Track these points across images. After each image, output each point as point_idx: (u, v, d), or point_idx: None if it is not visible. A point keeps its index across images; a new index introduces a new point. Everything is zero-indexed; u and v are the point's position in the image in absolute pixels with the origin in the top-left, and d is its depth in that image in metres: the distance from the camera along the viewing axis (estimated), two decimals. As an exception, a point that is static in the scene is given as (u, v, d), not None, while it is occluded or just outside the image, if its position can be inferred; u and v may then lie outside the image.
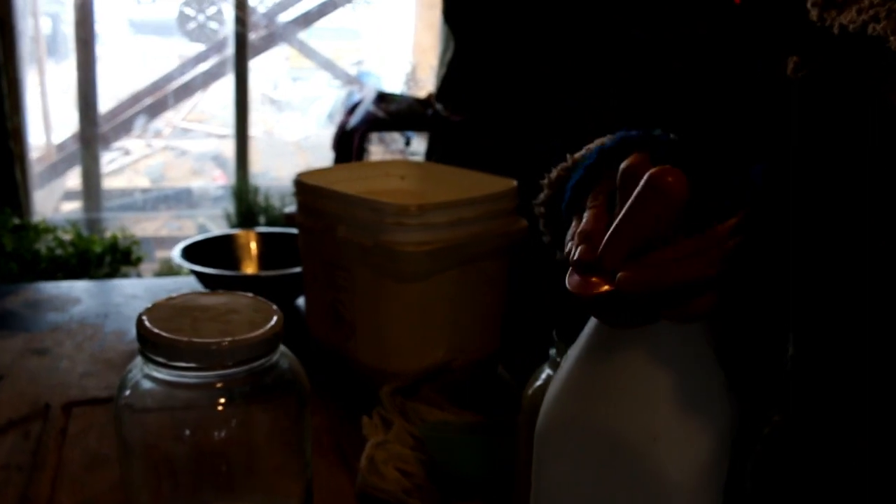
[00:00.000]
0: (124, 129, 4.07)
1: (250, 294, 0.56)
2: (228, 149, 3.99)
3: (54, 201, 4.01)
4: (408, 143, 3.02)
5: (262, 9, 4.03)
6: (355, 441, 0.77)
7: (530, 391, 0.60)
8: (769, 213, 0.42)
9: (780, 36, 0.50)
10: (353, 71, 4.62)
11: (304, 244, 0.98)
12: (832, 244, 0.41)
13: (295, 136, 4.74)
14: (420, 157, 2.64)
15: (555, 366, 0.57)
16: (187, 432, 0.52)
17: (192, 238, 1.22)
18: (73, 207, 3.96)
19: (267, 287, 1.10)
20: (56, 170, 3.92)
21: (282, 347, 0.54)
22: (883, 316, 0.40)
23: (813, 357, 0.41)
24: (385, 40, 4.79)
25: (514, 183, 0.91)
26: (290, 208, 0.99)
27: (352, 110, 2.66)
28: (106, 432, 0.82)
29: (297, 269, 1.05)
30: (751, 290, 0.42)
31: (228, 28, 3.82)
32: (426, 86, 3.75)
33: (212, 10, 4.16)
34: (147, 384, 0.51)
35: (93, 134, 3.69)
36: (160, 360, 0.50)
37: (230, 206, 3.36)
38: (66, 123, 3.89)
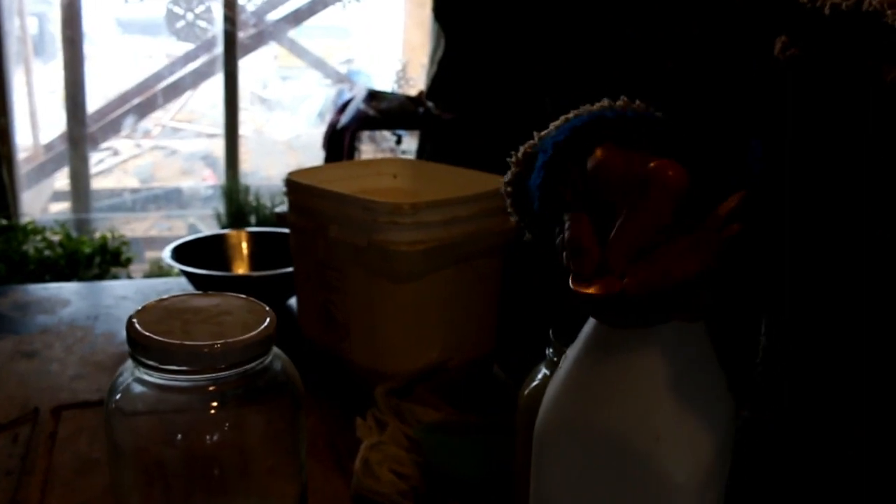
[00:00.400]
0: (113, 128, 4.05)
1: (242, 295, 0.55)
2: (218, 148, 3.97)
3: (42, 202, 3.98)
4: (398, 141, 3.02)
5: (251, 7, 4.01)
6: (350, 443, 0.76)
7: (527, 391, 0.59)
8: (768, 196, 0.41)
9: (768, 17, 0.49)
10: (343, 69, 4.61)
11: (295, 244, 0.97)
12: (830, 228, 0.40)
13: (285, 135, 4.73)
14: (411, 156, 2.63)
15: (551, 365, 0.57)
16: (179, 436, 0.51)
17: (182, 238, 1.21)
18: (61, 208, 3.94)
19: (258, 287, 1.09)
20: (44, 170, 3.90)
21: (275, 349, 0.53)
22: (881, 304, 0.40)
23: (799, 347, 0.41)
24: (375, 38, 4.78)
25: (508, 181, 0.90)
26: (282, 208, 0.98)
27: (342, 109, 2.65)
28: (96, 436, 0.81)
29: (289, 270, 1.04)
30: (751, 279, 0.41)
31: (217, 27, 3.80)
32: (417, 84, 3.74)
33: (200, 9, 4.14)
34: (138, 388, 0.50)
35: (81, 134, 3.66)
36: (151, 363, 0.49)
37: (220, 206, 3.35)
38: (54, 123, 3.87)
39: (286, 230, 0.99)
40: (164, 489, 0.53)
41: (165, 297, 0.54)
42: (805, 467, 0.46)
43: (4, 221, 2.46)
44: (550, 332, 0.56)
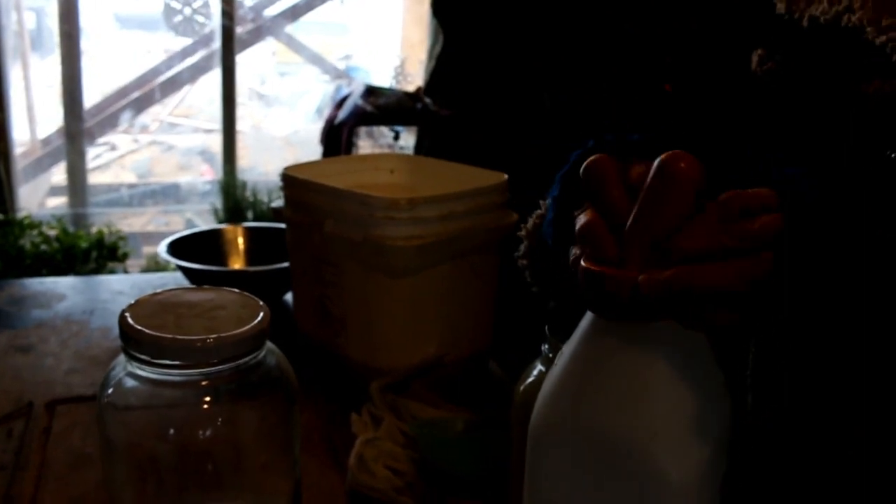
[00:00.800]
0: (110, 123, 4.04)
1: (236, 290, 0.55)
2: (216, 144, 3.96)
3: (39, 197, 3.97)
4: (396, 137, 3.01)
5: (248, 2, 4.00)
6: (345, 438, 0.76)
7: (522, 387, 0.59)
8: (812, 226, 0.40)
9: (747, 29, 0.49)
10: (341, 65, 4.60)
11: (291, 239, 0.97)
12: (825, 230, 0.40)
13: (283, 130, 4.72)
14: (409, 151, 2.63)
15: (547, 361, 0.57)
16: (172, 431, 0.50)
17: (178, 233, 1.20)
18: (58, 203, 3.93)
19: (254, 282, 1.09)
20: (41, 165, 3.89)
21: (269, 344, 0.53)
22: (881, 303, 0.39)
23: (798, 346, 0.41)
24: (373, 34, 4.77)
25: (505, 177, 0.90)
26: (278, 203, 0.98)
27: (340, 104, 2.64)
28: (90, 431, 0.81)
29: (285, 265, 1.04)
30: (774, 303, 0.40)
31: (215, 22, 3.79)
32: (415, 80, 3.73)
33: (198, 4, 4.13)
34: (130, 382, 0.50)
35: (78, 129, 3.65)
36: (144, 357, 0.48)
37: (218, 202, 3.34)
38: (51, 118, 3.86)
39: (283, 225, 0.99)
40: (158, 484, 0.53)
41: (159, 291, 0.54)
42: (805, 467, 0.46)
43: (1, 216, 2.46)
44: (546, 328, 0.56)
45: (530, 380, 0.58)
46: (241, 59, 3.83)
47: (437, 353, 0.86)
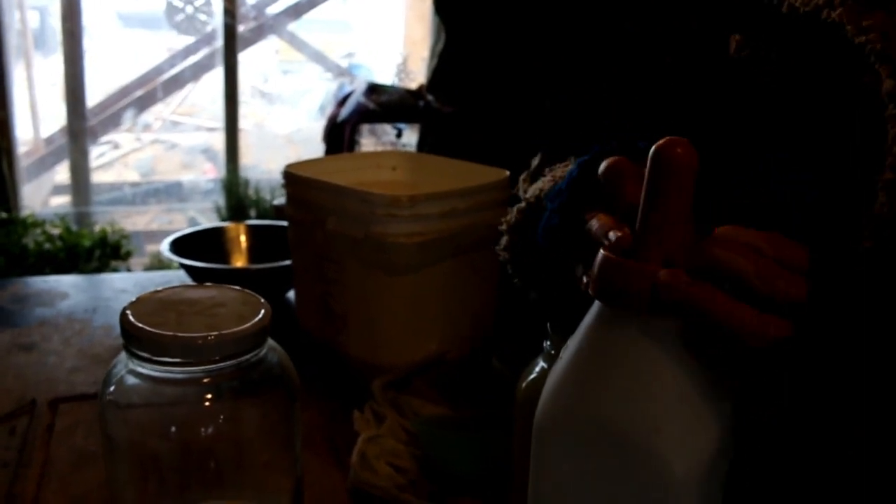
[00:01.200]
0: (113, 122, 4.05)
1: (238, 287, 0.55)
2: (218, 142, 3.97)
3: (43, 195, 3.98)
4: (399, 134, 3.01)
5: (251, 0, 4.00)
6: (347, 436, 0.76)
7: (524, 384, 0.59)
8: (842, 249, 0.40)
9: (726, 14, 0.49)
10: (343, 63, 4.60)
11: (293, 236, 0.97)
12: (819, 227, 0.40)
13: (286, 128, 4.72)
14: (412, 149, 2.62)
15: (549, 358, 0.56)
16: (174, 429, 0.51)
17: (181, 231, 1.20)
18: (61, 202, 3.93)
19: (256, 280, 1.09)
20: (44, 164, 3.90)
21: (270, 341, 0.53)
22: (881, 303, 0.39)
23: (798, 345, 0.41)
24: (376, 32, 4.77)
25: (507, 173, 0.90)
26: (280, 200, 0.98)
27: (342, 102, 2.64)
28: (93, 429, 0.81)
29: (287, 262, 1.04)
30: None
31: (217, 20, 3.79)
32: (417, 77, 3.73)
33: (200, 2, 4.14)
34: (132, 380, 0.50)
35: (81, 127, 3.66)
36: (145, 355, 0.48)
37: (220, 200, 3.35)
38: (55, 117, 3.86)
39: (285, 223, 0.99)
40: (160, 482, 0.53)
41: (160, 288, 0.54)
42: (805, 467, 0.46)
43: (4, 215, 2.46)
44: (548, 325, 0.56)
45: (532, 376, 0.58)
46: (244, 58, 3.84)
47: (438, 350, 0.86)
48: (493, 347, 0.94)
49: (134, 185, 4.29)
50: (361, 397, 0.78)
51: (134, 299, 0.52)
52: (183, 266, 1.10)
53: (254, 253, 1.25)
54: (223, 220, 3.18)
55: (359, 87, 2.59)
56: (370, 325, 0.87)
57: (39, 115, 4.02)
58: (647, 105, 0.63)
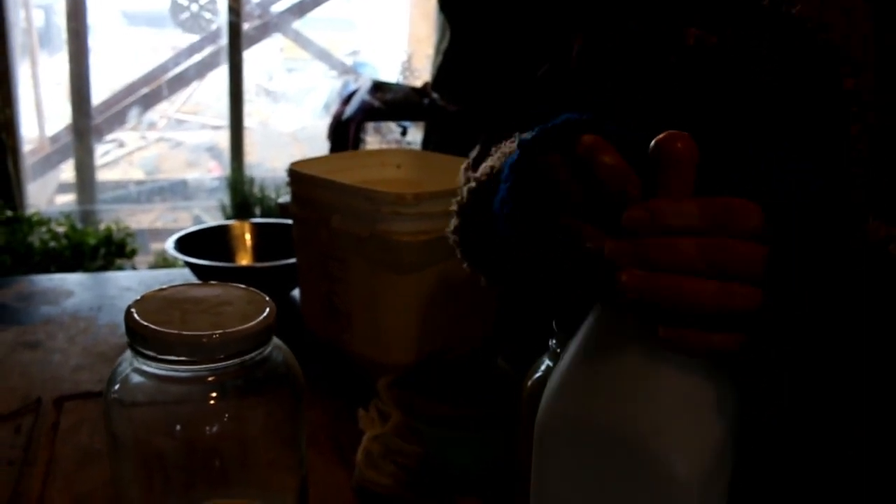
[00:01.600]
0: (118, 120, 4.05)
1: (242, 286, 0.55)
2: (223, 140, 3.97)
3: (48, 194, 3.99)
4: (404, 132, 3.01)
5: (255, -2, 4.00)
6: (352, 434, 0.76)
7: (529, 383, 0.59)
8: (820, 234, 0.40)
9: (724, 13, 0.49)
10: (348, 61, 4.60)
11: (298, 235, 0.96)
12: (817, 228, 0.40)
13: (290, 126, 4.72)
14: (416, 147, 2.62)
15: (555, 357, 0.56)
16: (178, 427, 0.50)
17: (186, 229, 1.20)
18: (67, 200, 3.94)
19: (261, 278, 1.09)
20: (49, 162, 3.90)
21: (275, 340, 0.53)
22: (881, 302, 0.39)
23: (798, 345, 0.40)
24: (380, 30, 4.76)
25: (512, 171, 0.90)
26: (285, 198, 0.98)
27: (347, 100, 2.64)
28: (98, 427, 0.81)
29: (292, 261, 1.04)
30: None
31: (222, 18, 3.79)
32: (422, 75, 3.73)
33: (205, 0, 4.14)
34: (137, 378, 0.50)
35: (86, 126, 3.66)
36: (150, 353, 0.48)
37: (225, 198, 3.35)
38: (60, 115, 3.87)
39: (290, 221, 0.99)
40: (165, 480, 0.53)
41: (165, 287, 0.54)
42: (805, 467, 0.45)
43: (10, 213, 2.47)
44: (554, 323, 0.56)
45: (538, 375, 0.58)
46: (249, 56, 3.83)
47: (443, 348, 0.86)
48: (498, 346, 0.94)
49: (139, 183, 4.29)
50: (366, 396, 0.78)
51: (139, 297, 0.52)
52: (188, 264, 1.10)
53: (259, 251, 1.25)
54: (228, 218, 3.19)
55: (363, 85, 2.59)
56: (375, 323, 0.87)
57: (45, 113, 4.02)
58: (650, 103, 0.63)
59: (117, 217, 3.08)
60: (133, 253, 2.53)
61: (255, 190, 3.27)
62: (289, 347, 0.54)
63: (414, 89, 2.59)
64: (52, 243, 2.39)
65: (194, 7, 4.16)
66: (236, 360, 0.49)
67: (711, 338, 0.38)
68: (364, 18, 4.83)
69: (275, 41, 4.37)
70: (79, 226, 2.64)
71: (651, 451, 0.38)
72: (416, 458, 0.70)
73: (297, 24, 4.20)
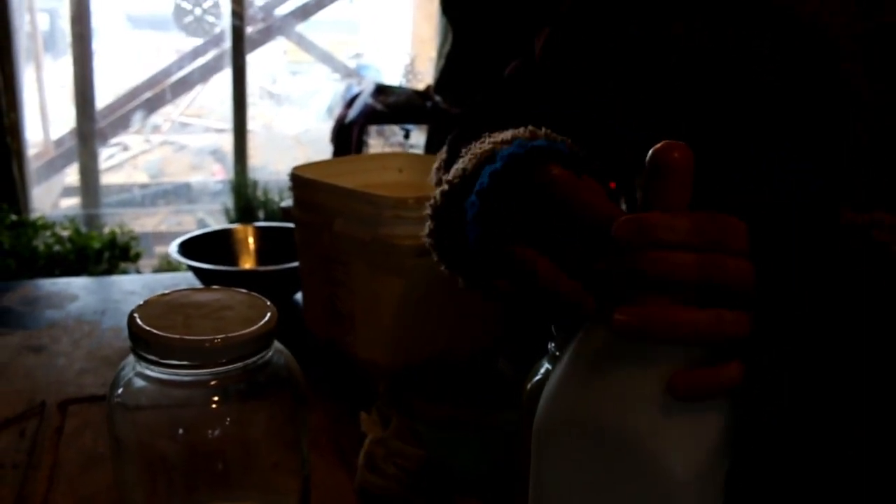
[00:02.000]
0: (122, 124, 4.06)
1: (244, 290, 0.55)
2: (227, 143, 3.98)
3: (53, 197, 4.00)
4: (407, 135, 3.01)
5: (258, 1, 4.01)
6: (353, 437, 0.76)
7: (529, 385, 0.59)
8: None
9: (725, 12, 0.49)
10: (351, 64, 4.61)
11: (300, 239, 0.97)
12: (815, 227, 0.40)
13: (294, 129, 4.73)
14: (419, 150, 2.63)
15: (554, 360, 0.57)
16: (181, 431, 0.51)
17: (189, 233, 1.21)
18: (71, 203, 3.95)
19: (264, 282, 1.09)
20: (54, 166, 3.91)
21: (277, 344, 0.53)
22: (881, 302, 0.39)
23: (798, 345, 0.41)
24: (383, 32, 4.77)
25: (513, 175, 0.90)
26: (288, 202, 0.98)
27: (350, 103, 2.65)
28: (102, 431, 0.81)
29: (295, 264, 1.04)
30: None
31: (225, 21, 3.80)
32: (425, 78, 3.73)
33: (208, 4, 4.15)
34: (140, 382, 0.50)
35: (90, 129, 3.67)
36: (152, 357, 0.49)
37: (229, 201, 3.36)
38: (64, 119, 3.88)
39: (292, 225, 0.99)
40: (168, 483, 0.53)
41: (168, 291, 0.54)
42: (805, 467, 0.46)
43: (15, 217, 2.48)
44: (553, 326, 0.56)
45: (538, 377, 0.58)
46: (252, 59, 3.85)
47: (445, 351, 0.87)
48: (500, 348, 0.94)
49: (143, 186, 4.31)
50: (368, 398, 0.78)
51: (142, 302, 0.52)
52: (191, 268, 1.11)
53: (262, 255, 1.25)
54: (232, 221, 3.19)
55: (367, 88, 2.60)
56: (377, 326, 0.87)
57: (49, 117, 4.04)
58: (651, 106, 0.63)
59: (121, 221, 3.09)
60: (137, 257, 2.53)
61: (259, 193, 3.28)
62: (291, 351, 0.55)
63: (417, 92, 2.60)
64: (57, 247, 2.40)
65: (198, 11, 4.18)
66: (238, 364, 0.50)
67: (719, 373, 0.39)
68: (367, 21, 4.84)
69: (278, 44, 4.38)
70: (83, 229, 2.65)
71: (649, 451, 0.39)
72: (417, 461, 0.71)
73: (301, 27, 4.21)
